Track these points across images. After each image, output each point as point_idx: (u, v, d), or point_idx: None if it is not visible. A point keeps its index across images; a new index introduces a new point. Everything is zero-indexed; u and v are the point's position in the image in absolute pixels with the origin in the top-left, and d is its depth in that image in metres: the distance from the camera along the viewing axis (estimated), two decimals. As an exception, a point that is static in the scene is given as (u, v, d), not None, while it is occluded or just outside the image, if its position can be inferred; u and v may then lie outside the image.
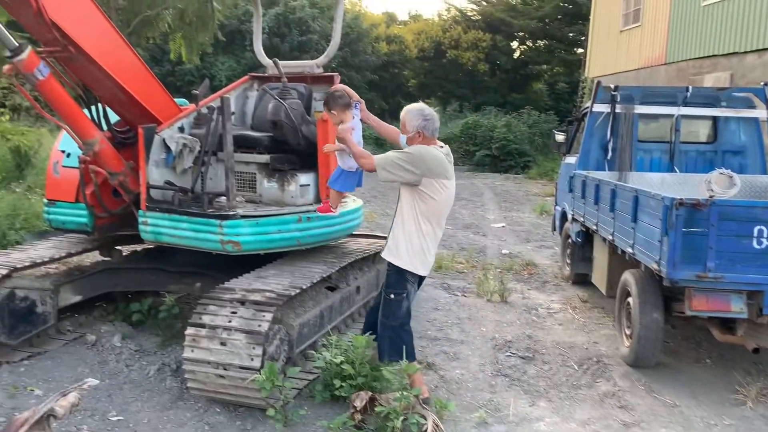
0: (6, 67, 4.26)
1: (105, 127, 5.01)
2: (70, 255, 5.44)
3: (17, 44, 4.13)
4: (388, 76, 32.59)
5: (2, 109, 12.59)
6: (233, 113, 5.55)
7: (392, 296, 4.27)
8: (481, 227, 11.60)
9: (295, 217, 4.94)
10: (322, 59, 5.90)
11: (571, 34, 30.75)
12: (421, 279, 4.47)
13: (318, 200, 5.23)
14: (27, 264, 4.96)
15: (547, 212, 12.68)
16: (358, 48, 29.40)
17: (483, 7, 33.81)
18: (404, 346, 4.20)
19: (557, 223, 8.41)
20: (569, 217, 7.44)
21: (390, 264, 4.29)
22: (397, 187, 4.28)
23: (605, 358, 5.38)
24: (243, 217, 4.63)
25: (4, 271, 4.72)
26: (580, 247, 7.09)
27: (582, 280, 7.42)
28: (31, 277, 5.06)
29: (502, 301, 6.87)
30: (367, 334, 4.31)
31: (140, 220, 4.88)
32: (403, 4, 76.06)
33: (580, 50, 28.97)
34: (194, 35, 17.12)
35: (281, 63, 5.64)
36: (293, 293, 4.37)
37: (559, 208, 8.29)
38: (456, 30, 32.56)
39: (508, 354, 5.42)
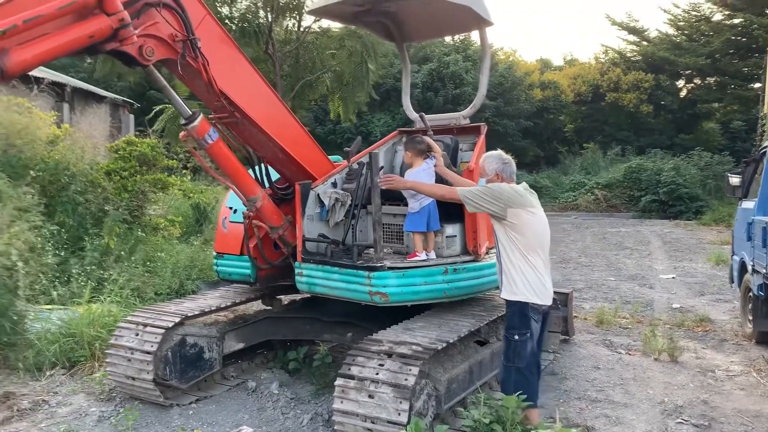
0: (182, 133, 4.74)
1: (266, 184, 5.37)
2: (235, 304, 5.79)
3: (191, 112, 4.58)
4: (543, 123, 32.10)
5: (185, 171, 13.99)
6: (382, 167, 5.70)
7: (516, 337, 4.27)
8: (647, 278, 10.84)
9: (441, 268, 4.90)
10: (468, 111, 5.98)
11: (745, 69, 28.37)
12: (545, 315, 4.39)
13: (465, 251, 5.17)
14: (197, 312, 5.35)
15: (723, 262, 11.62)
16: (511, 96, 29.36)
17: (643, 47, 32.45)
18: (531, 389, 4.23)
19: (735, 274, 7.63)
20: (749, 268, 6.70)
21: (510, 303, 4.31)
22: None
23: (800, 432, 4.68)
24: (390, 268, 4.68)
25: (177, 319, 5.13)
26: (764, 301, 6.37)
27: (767, 339, 6.61)
28: (200, 325, 5.45)
29: (672, 361, 6.27)
30: (517, 394, 4.10)
31: (296, 271, 5.11)
32: (558, 50, 75.20)
33: (758, 84, 26.61)
34: (351, 95, 18.11)
35: (427, 116, 5.76)
36: (440, 347, 4.30)
37: (737, 258, 7.51)
38: (615, 72, 31.56)
39: (680, 421, 4.89)
